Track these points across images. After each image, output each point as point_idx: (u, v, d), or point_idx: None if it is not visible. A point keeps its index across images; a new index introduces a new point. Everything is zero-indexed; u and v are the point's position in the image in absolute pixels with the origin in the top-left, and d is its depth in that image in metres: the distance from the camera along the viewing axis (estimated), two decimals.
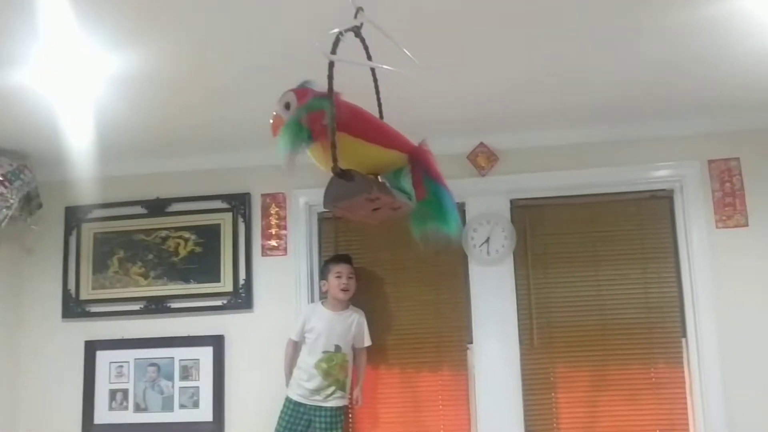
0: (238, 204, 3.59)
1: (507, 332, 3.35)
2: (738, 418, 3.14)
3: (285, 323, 3.40)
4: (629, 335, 3.32)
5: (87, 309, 3.63)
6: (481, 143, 3.43)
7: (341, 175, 1.33)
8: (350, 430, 3.40)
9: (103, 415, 3.55)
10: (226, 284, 3.55)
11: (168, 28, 2.21)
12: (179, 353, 3.54)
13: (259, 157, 3.49)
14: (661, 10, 2.21)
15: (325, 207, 1.43)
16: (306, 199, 3.52)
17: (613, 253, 3.39)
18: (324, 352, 3.22)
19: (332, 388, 3.20)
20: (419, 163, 1.50)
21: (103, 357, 3.58)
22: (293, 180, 3.45)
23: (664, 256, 3.37)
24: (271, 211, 3.58)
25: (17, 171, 3.33)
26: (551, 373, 3.35)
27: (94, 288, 3.64)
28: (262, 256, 3.56)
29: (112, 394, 3.56)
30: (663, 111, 3.23)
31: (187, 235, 3.62)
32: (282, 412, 3.23)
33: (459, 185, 1.47)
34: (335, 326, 3.26)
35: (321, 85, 1.35)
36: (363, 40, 1.44)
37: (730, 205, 3.29)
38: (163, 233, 3.64)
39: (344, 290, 3.27)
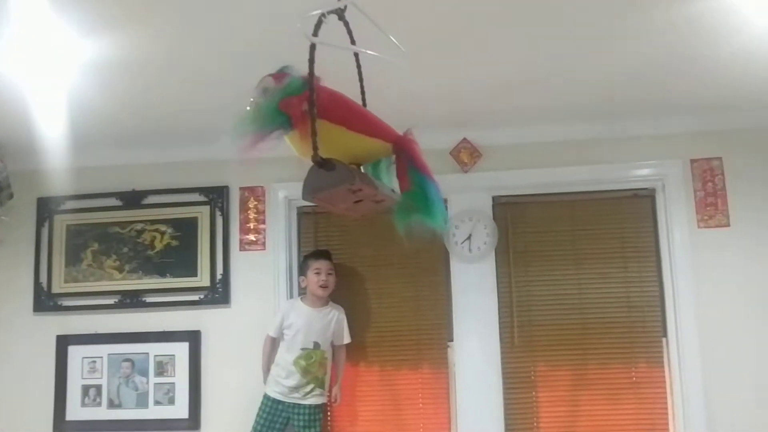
0: (216, 197, 3.54)
1: (488, 330, 3.33)
2: (718, 418, 3.14)
3: (263, 319, 3.35)
4: (610, 334, 3.31)
5: (59, 303, 3.56)
6: (464, 139, 3.41)
7: (321, 164, 1.28)
8: (328, 428, 3.36)
9: (75, 411, 3.48)
10: (203, 279, 3.49)
11: (145, 13, 2.14)
12: (154, 349, 3.48)
13: (237, 150, 3.41)
14: (646, 9, 2.19)
15: (304, 198, 1.36)
16: (285, 192, 3.48)
17: (595, 252, 3.38)
18: (302, 349, 3.17)
19: (311, 386, 3.16)
20: (404, 153, 1.44)
21: (75, 352, 3.51)
22: (272, 173, 3.40)
23: (645, 255, 3.36)
24: (250, 205, 3.53)
25: None
26: (532, 371, 3.34)
27: (66, 281, 3.57)
28: (240, 250, 3.51)
29: (85, 390, 3.50)
30: (646, 109, 3.23)
31: (163, 228, 3.56)
32: (260, 409, 3.19)
33: (441, 181, 1.42)
34: (314, 323, 3.21)
35: (301, 72, 1.30)
36: (347, 24, 1.39)
37: (711, 205, 3.29)
38: (139, 226, 3.57)
39: (323, 287, 3.23)
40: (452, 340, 3.37)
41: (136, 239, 3.56)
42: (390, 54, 1.51)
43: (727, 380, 3.16)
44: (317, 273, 3.24)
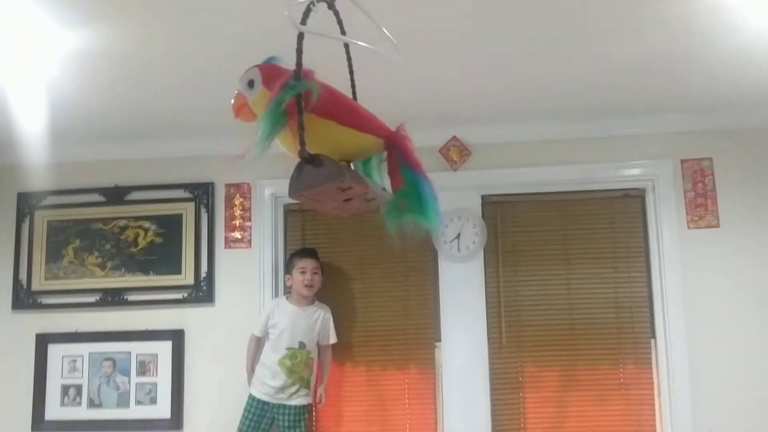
0: (201, 193, 3.49)
1: (476, 330, 3.30)
2: (705, 419, 3.13)
3: (248, 318, 3.31)
4: (598, 335, 3.30)
5: (39, 300, 3.50)
6: (454, 137, 3.37)
7: (309, 160, 1.22)
8: (314, 428, 3.32)
9: (54, 411, 3.42)
10: (187, 277, 3.44)
11: (130, 4, 2.08)
12: (136, 348, 3.43)
13: (223, 146, 3.38)
14: (638, 8, 2.17)
15: (291, 196, 1.29)
16: (272, 189, 3.43)
17: (584, 252, 3.36)
18: (288, 348, 3.13)
19: (296, 386, 3.12)
20: (396, 149, 1.38)
21: (55, 351, 3.45)
22: (259, 169, 3.36)
23: (634, 255, 3.35)
24: (236, 202, 3.48)
25: None
26: (519, 372, 3.31)
27: (47, 278, 3.51)
28: (225, 248, 3.46)
29: (65, 389, 3.44)
30: (637, 109, 3.21)
31: (146, 224, 3.50)
32: (245, 410, 3.14)
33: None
34: (300, 322, 3.17)
35: (289, 63, 1.24)
36: (337, 14, 1.33)
37: (701, 206, 3.28)
38: (122, 222, 3.51)
39: (308, 286, 3.19)
40: (440, 340, 3.34)
41: (118, 236, 3.50)
42: (381, 48, 1.46)
43: (715, 382, 3.14)
44: (302, 272, 3.19)
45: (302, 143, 1.20)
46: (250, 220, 3.47)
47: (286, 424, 3.10)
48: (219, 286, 3.43)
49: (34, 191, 3.54)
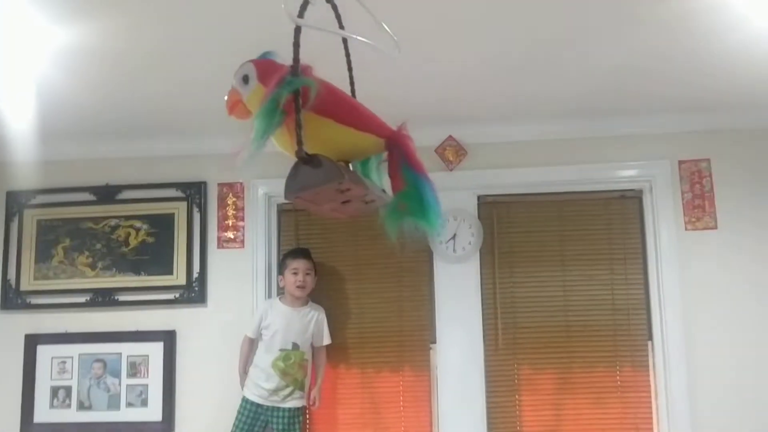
0: (194, 193, 3.45)
1: (471, 332, 3.27)
2: (703, 422, 3.11)
3: (240, 319, 3.27)
4: (595, 337, 3.27)
5: (28, 300, 3.45)
6: (450, 136, 3.34)
7: (307, 160, 1.17)
8: (308, 431, 3.27)
9: (43, 413, 3.38)
10: (178, 277, 3.40)
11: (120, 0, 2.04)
12: (127, 349, 3.39)
13: (216, 144, 3.35)
14: (635, 7, 2.14)
15: (286, 198, 1.24)
16: (265, 189, 3.40)
17: (581, 253, 3.34)
18: (281, 350, 3.09)
19: (290, 388, 3.08)
20: (397, 149, 1.34)
21: (44, 352, 3.41)
22: (252, 169, 3.31)
23: (631, 257, 3.32)
24: (228, 202, 3.44)
25: None
26: (516, 374, 3.29)
27: (36, 278, 3.46)
28: (218, 248, 3.42)
29: (54, 391, 3.40)
30: (634, 109, 3.19)
31: (138, 224, 3.46)
32: (238, 413, 3.10)
33: None
34: (293, 323, 3.13)
35: (285, 58, 1.20)
36: (335, 7, 1.29)
37: (699, 207, 3.25)
38: (113, 222, 3.47)
39: (300, 287, 3.15)
40: (435, 342, 3.31)
41: (109, 235, 3.46)
42: (380, 43, 1.41)
43: (712, 384, 3.13)
44: (294, 273, 3.16)
45: (299, 142, 1.15)
46: (243, 219, 3.43)
47: (280, 427, 3.06)
48: (211, 286, 3.40)
49: (23, 190, 3.49)
